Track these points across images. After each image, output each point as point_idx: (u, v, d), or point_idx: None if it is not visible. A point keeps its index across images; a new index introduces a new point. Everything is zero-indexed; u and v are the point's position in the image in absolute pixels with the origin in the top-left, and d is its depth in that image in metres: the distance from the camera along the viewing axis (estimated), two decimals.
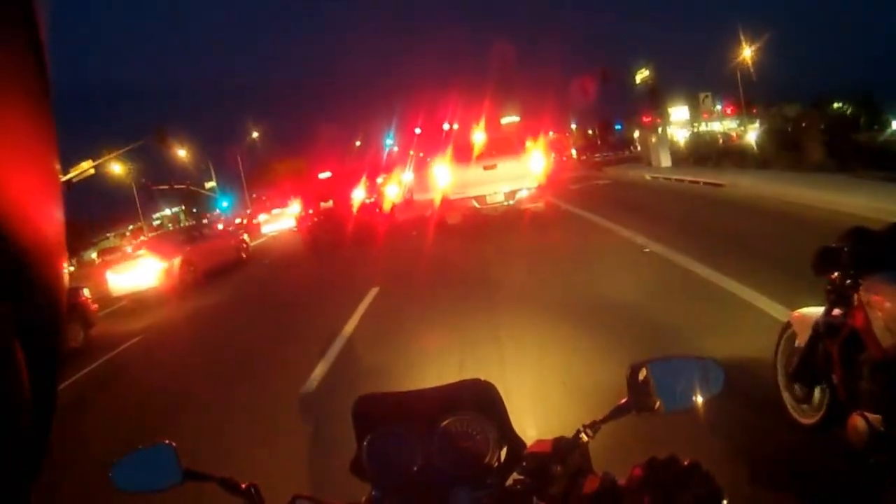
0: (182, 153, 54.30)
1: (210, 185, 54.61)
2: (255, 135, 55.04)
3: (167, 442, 1.32)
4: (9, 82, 0.41)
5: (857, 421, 2.59)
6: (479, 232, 14.73)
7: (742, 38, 41.78)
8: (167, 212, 66.19)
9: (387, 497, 1.32)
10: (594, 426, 1.26)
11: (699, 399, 1.25)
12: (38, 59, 0.44)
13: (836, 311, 2.93)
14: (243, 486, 1.28)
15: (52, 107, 0.45)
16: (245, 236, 20.45)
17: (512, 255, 11.50)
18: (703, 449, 3.14)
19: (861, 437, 2.57)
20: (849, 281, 2.81)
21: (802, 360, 3.23)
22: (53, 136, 0.44)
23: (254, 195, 58.36)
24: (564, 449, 1.21)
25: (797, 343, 3.35)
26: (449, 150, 16.00)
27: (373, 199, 19.89)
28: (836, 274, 2.92)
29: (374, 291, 10.03)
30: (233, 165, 53.95)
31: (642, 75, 34.51)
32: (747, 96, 54.00)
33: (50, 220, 0.45)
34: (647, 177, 24.96)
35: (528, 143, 15.33)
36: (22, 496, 0.45)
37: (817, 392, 3.21)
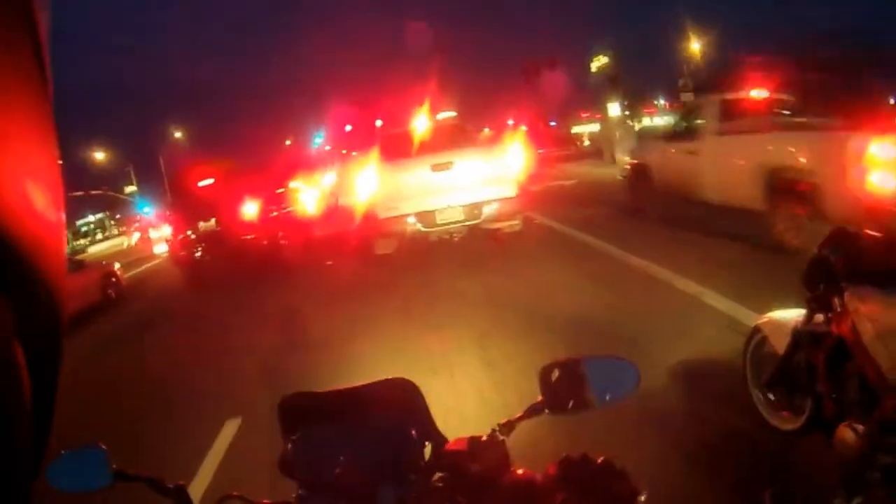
0: (99, 156, 47.76)
1: (130, 189, 47.93)
2: (177, 135, 48.39)
3: (98, 444, 1.27)
4: (9, 82, 0.39)
5: (846, 432, 2.39)
6: (426, 273, 9.19)
7: (689, 30, 37.01)
8: (90, 218, 58.57)
9: (314, 495, 1.24)
10: (508, 425, 1.22)
11: (613, 398, 1.22)
12: (38, 58, 0.42)
13: (818, 318, 2.75)
14: (170, 486, 1.23)
15: (51, 106, 0.44)
16: (116, 266, 13.88)
17: (492, 340, 5.83)
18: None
19: (850, 448, 2.35)
20: (831, 288, 2.63)
21: (781, 368, 3.04)
22: (53, 136, 0.43)
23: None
24: (479, 447, 1.18)
25: (770, 349, 3.21)
26: (377, 145, 10.21)
27: (281, 211, 13.86)
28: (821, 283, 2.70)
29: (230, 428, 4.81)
30: (156, 168, 47.14)
31: (599, 62, 29.72)
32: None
33: (50, 220, 0.43)
34: (619, 176, 20.05)
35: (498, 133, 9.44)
36: (22, 497, 0.43)
37: (796, 399, 3.02)
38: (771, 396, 3.27)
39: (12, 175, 0.39)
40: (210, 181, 13.44)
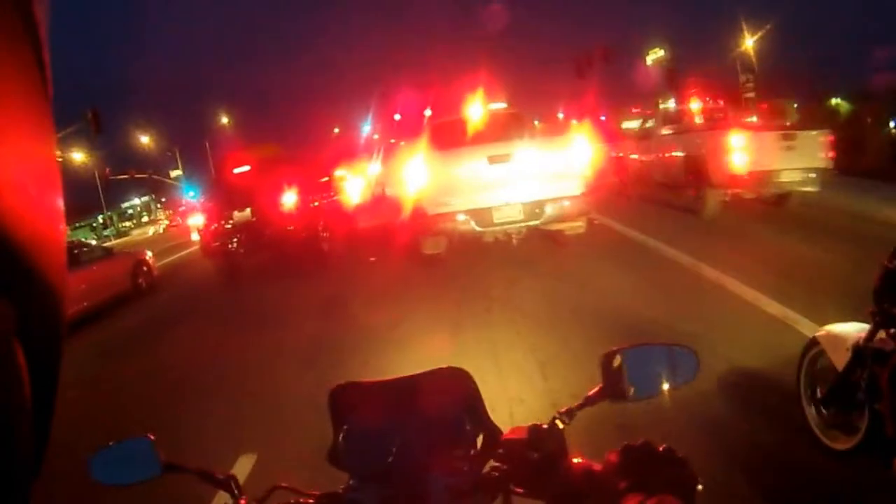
0: (145, 140, 47.89)
1: (176, 173, 47.87)
2: (224, 120, 48.17)
3: (146, 435, 1.22)
4: (8, 82, 0.40)
5: None
6: (479, 278, 8.18)
7: (744, 25, 34.97)
8: (136, 201, 59.01)
9: (364, 485, 1.20)
10: (569, 413, 1.16)
11: (672, 386, 1.18)
12: (37, 58, 0.43)
13: (882, 335, 2.64)
14: (221, 477, 1.20)
15: (51, 106, 0.44)
16: (148, 255, 13.11)
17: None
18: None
19: None
20: None
21: (839, 384, 2.91)
22: (53, 136, 0.44)
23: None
24: (539, 435, 1.12)
25: (826, 363, 3.08)
26: (427, 133, 9.18)
27: (324, 201, 12.92)
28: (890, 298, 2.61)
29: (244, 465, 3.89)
30: (203, 152, 47.13)
31: (655, 55, 28.14)
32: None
33: (50, 219, 0.44)
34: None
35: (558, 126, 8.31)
36: (22, 497, 0.42)
37: (853, 417, 2.87)
38: (827, 413, 3.12)
39: (11, 174, 0.38)
40: (246, 168, 12.40)
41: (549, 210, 7.90)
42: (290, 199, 11.18)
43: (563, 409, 1.17)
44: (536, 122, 28.26)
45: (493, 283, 7.56)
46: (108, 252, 12.48)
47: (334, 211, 13.41)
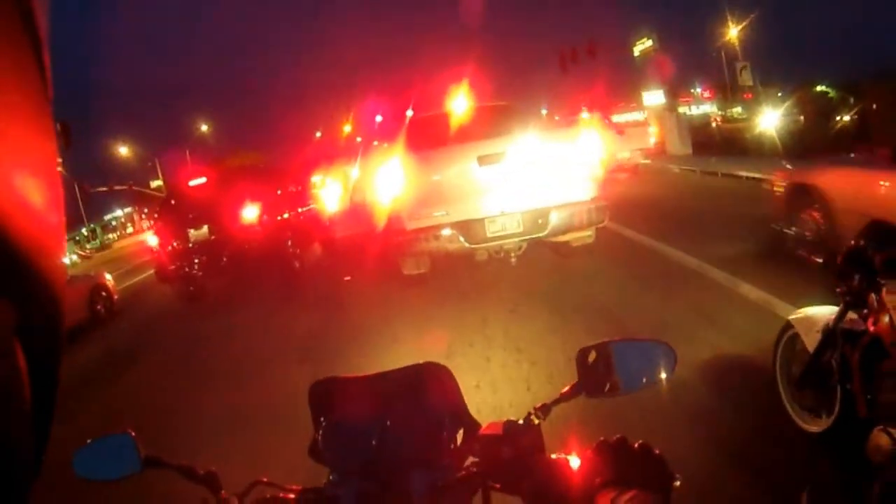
0: (124, 151, 46.28)
1: (156, 183, 46.20)
2: (204, 128, 46.57)
3: (128, 431, 1.22)
4: (8, 82, 0.39)
5: (881, 437, 2.28)
6: (472, 306, 6.80)
7: (728, 16, 33.75)
8: (118, 212, 57.19)
9: (345, 480, 1.19)
10: (544, 408, 1.15)
11: (650, 381, 1.16)
12: (37, 58, 0.42)
13: (852, 315, 2.62)
14: (202, 472, 1.18)
15: (51, 107, 0.44)
16: (108, 278, 11.47)
17: None
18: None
19: (885, 454, 2.25)
20: (867, 283, 2.50)
21: (812, 366, 2.89)
22: (53, 137, 0.43)
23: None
24: (515, 431, 1.12)
25: (802, 346, 3.04)
26: (405, 132, 7.69)
27: (296, 212, 11.39)
28: (856, 276, 2.57)
29: None
30: (182, 162, 45.48)
31: (643, 46, 26.77)
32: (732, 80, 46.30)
33: (50, 220, 0.43)
34: (675, 169, 18.89)
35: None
36: (21, 498, 0.42)
37: (826, 399, 2.86)
38: (802, 396, 3.08)
39: (12, 175, 0.37)
40: (202, 180, 10.79)
41: (555, 219, 6.42)
42: (251, 213, 9.67)
43: (538, 405, 1.13)
44: (544, 111, 26.51)
45: (489, 310, 6.08)
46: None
47: (309, 222, 11.87)
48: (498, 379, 4.43)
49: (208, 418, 4.98)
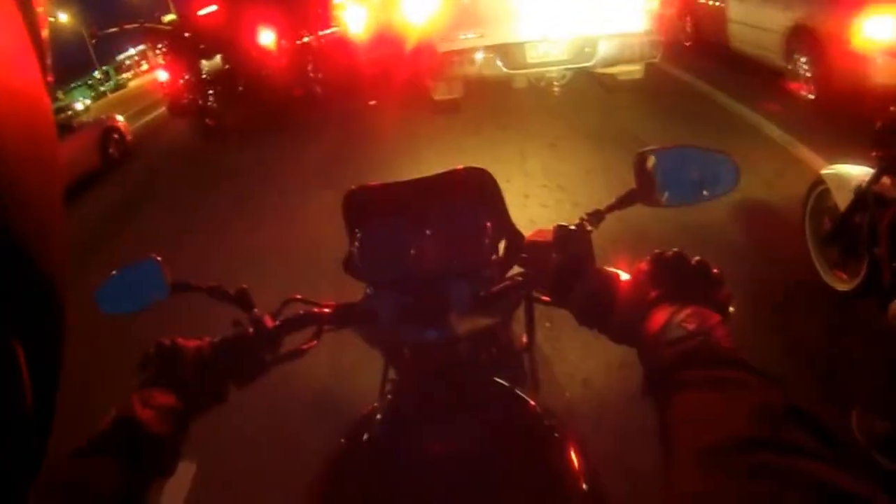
0: None
1: (169, 17, 44.16)
2: None
3: (152, 256, 1.13)
4: (6, 71, 0.36)
5: None
6: (506, 136, 6.09)
7: None
8: (131, 51, 55.36)
9: (382, 294, 1.13)
10: (597, 215, 1.05)
11: (711, 194, 1.04)
12: (37, 51, 0.39)
13: (885, 180, 2.56)
14: (232, 292, 1.10)
15: (51, 94, 0.41)
16: (119, 119, 10.74)
17: None
18: None
19: None
20: None
21: (841, 225, 2.88)
22: (53, 130, 0.40)
23: None
24: (564, 237, 1.01)
25: (831, 202, 3.01)
26: None
27: (318, 35, 10.58)
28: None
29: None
30: None
31: None
32: None
33: (50, 212, 0.41)
34: None
35: None
36: (22, 498, 0.40)
37: (854, 259, 2.84)
38: (830, 252, 3.06)
39: (11, 172, 0.36)
40: (212, 8, 9.79)
41: (603, 50, 5.73)
42: (267, 37, 8.93)
43: (590, 212, 1.05)
44: None
45: (527, 144, 5.58)
46: (69, 129, 10.27)
47: (332, 46, 10.99)
48: (537, 219, 4.06)
49: (234, 250, 4.78)
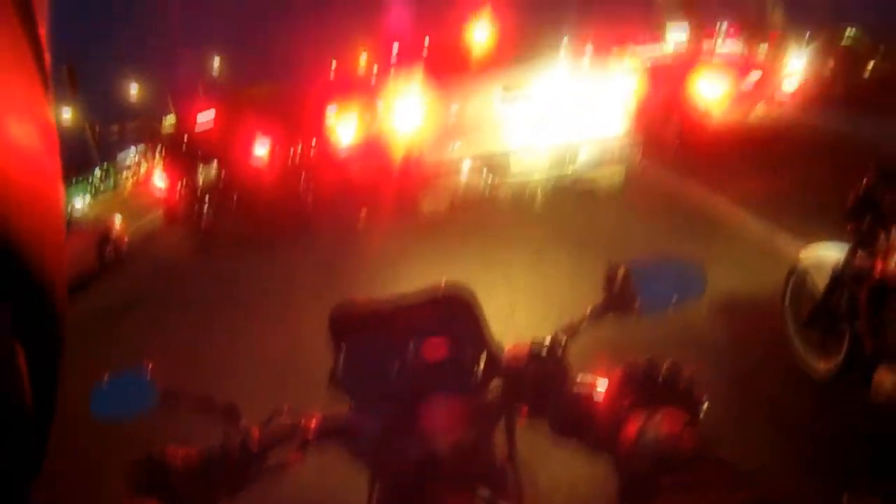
0: (134, 90, 45.57)
1: (170, 120, 45.55)
2: (217, 61, 45.62)
3: (142, 365, 1.20)
4: (8, 72, 0.38)
5: (885, 375, 2.37)
6: (496, 247, 6.15)
7: None
8: (132, 152, 56.74)
9: (366, 408, 1.18)
10: (571, 328, 1.13)
11: (679, 302, 1.14)
12: (36, 51, 0.41)
13: (861, 255, 2.63)
14: (221, 405, 1.16)
15: (52, 97, 0.43)
16: (117, 221, 11.06)
17: None
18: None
19: (889, 392, 2.34)
20: (877, 223, 2.54)
21: (820, 305, 2.92)
22: (54, 130, 0.42)
23: None
24: (541, 352, 1.09)
25: (810, 285, 3.06)
26: (425, 58, 7.15)
27: (310, 146, 10.95)
28: (867, 216, 2.60)
29: None
30: (194, 97, 44.78)
31: None
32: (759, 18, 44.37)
33: (51, 217, 0.42)
34: None
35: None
36: (21, 498, 0.42)
37: (835, 339, 2.87)
38: (810, 335, 3.08)
39: (12, 171, 0.37)
40: (210, 115, 10.20)
41: (584, 155, 5.97)
42: (262, 148, 9.22)
43: (564, 325, 1.12)
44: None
45: (513, 251, 5.70)
46: (69, 227, 10.49)
47: (324, 157, 11.36)
48: (522, 327, 4.10)
49: (223, 357, 4.81)
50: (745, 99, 9.98)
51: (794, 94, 13.09)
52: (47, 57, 0.42)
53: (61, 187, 0.44)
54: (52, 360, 0.45)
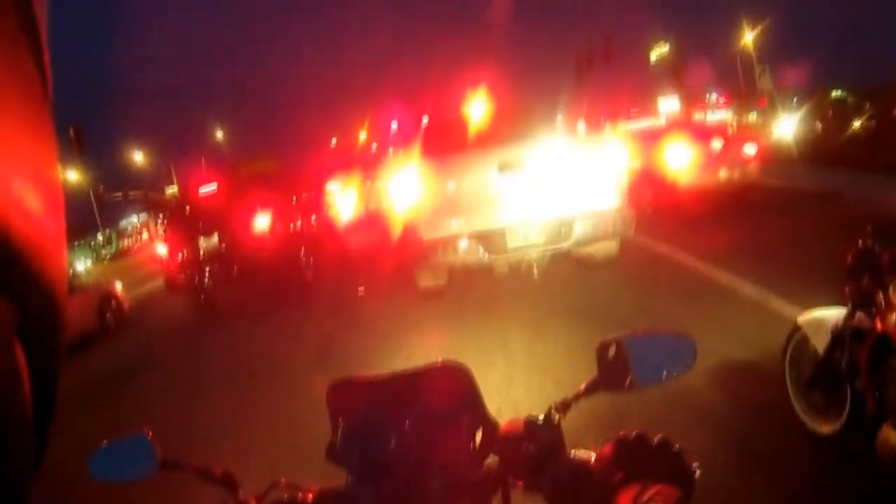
0: (139, 158, 46.33)
1: (172, 190, 46.19)
2: (220, 133, 46.57)
3: (143, 431, 1.21)
4: (7, 80, 0.38)
5: (889, 433, 2.35)
6: (494, 324, 6.30)
7: (744, 22, 33.15)
8: (133, 219, 57.20)
9: (363, 482, 1.18)
10: (565, 404, 1.14)
11: (670, 374, 1.14)
12: (36, 55, 0.41)
13: (860, 314, 2.64)
14: (219, 473, 1.19)
15: (51, 107, 0.43)
16: (118, 286, 11.22)
17: None
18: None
19: (893, 450, 2.33)
20: (875, 282, 2.56)
21: (821, 367, 2.92)
22: (53, 136, 0.42)
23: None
24: (535, 428, 1.11)
25: (811, 348, 3.05)
26: (421, 137, 7.36)
27: (310, 221, 11.11)
28: (865, 276, 2.64)
29: None
30: (196, 168, 45.48)
31: (660, 51, 26.32)
32: (747, 86, 45.40)
33: (51, 217, 0.42)
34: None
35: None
36: (21, 498, 0.41)
37: (836, 400, 2.86)
38: (812, 397, 3.08)
39: (10, 173, 0.37)
40: (212, 187, 10.49)
41: (579, 229, 6.07)
42: (263, 221, 9.37)
43: (558, 402, 1.13)
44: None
45: (510, 327, 5.73)
46: (70, 288, 10.58)
47: (323, 232, 11.55)
48: (520, 401, 4.12)
49: (222, 427, 4.77)
50: (713, 164, 10.24)
51: (768, 156, 13.40)
52: (48, 75, 0.43)
53: (61, 189, 0.45)
54: (52, 360, 0.45)
